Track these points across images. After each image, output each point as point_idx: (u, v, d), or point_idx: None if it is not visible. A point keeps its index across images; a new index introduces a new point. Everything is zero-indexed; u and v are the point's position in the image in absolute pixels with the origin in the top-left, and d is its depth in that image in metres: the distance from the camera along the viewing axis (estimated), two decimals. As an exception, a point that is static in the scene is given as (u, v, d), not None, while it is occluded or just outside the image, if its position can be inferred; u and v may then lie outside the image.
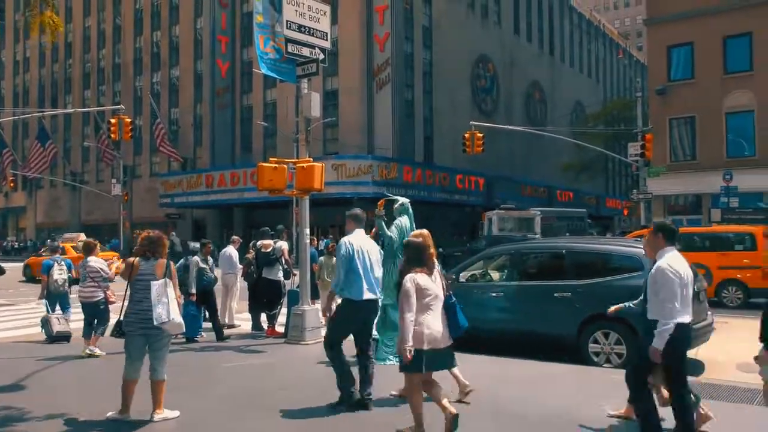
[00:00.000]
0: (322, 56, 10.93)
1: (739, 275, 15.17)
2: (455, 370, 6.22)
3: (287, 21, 10.37)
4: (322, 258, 12.67)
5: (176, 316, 5.95)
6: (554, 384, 7.33)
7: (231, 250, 12.43)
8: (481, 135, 27.43)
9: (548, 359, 8.51)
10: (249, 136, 47.50)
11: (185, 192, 44.99)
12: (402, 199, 8.81)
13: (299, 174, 10.16)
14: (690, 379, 7.59)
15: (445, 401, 5.41)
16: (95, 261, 9.47)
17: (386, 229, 8.56)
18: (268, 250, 11.03)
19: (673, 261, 5.09)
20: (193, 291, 10.17)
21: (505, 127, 36.58)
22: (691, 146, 30.60)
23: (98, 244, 10.05)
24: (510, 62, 53.50)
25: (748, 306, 14.86)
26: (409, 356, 5.17)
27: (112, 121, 27.04)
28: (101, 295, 9.30)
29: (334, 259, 12.97)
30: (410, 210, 8.87)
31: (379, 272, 6.72)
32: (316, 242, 21.64)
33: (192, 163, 50.07)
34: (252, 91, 47.18)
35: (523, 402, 6.34)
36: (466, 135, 27.48)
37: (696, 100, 29.51)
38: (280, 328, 10.94)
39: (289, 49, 10.55)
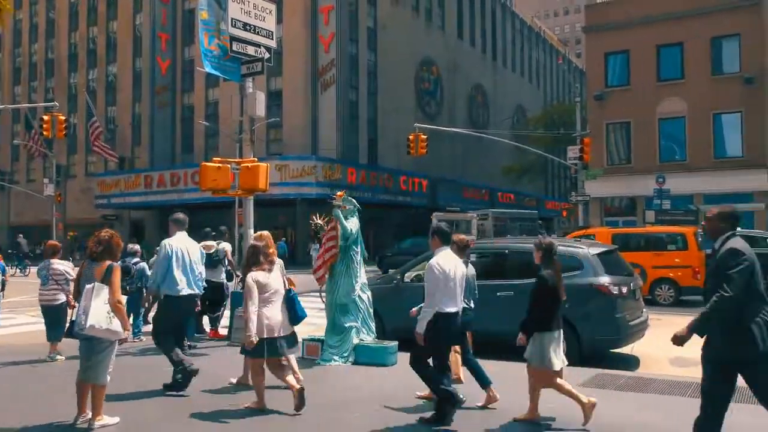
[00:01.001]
0: (267, 55, 10.84)
1: (671, 274, 15.80)
2: (292, 357, 6.70)
3: (232, 19, 10.24)
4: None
5: (98, 322, 5.56)
6: (494, 381, 7.44)
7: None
8: (425, 137, 27.69)
9: (494, 357, 8.62)
10: (190, 136, 46.54)
11: (123, 192, 43.73)
12: (354, 201, 8.93)
13: (244, 174, 10.05)
14: (626, 373, 7.87)
15: (290, 378, 6.27)
16: (59, 263, 9.12)
17: (344, 221, 8.59)
18: (211, 251, 10.83)
19: (442, 259, 5.74)
20: None
21: (449, 129, 37.05)
22: (627, 150, 31.72)
23: (61, 247, 9.68)
24: (454, 66, 54.19)
25: (680, 303, 15.50)
26: (253, 341, 5.99)
27: (45, 118, 26.02)
28: (63, 298, 8.95)
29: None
30: (357, 212, 8.94)
31: (200, 270, 7.44)
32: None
33: (130, 163, 48.69)
34: (193, 89, 46.24)
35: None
36: (411, 137, 27.70)
37: (631, 105, 30.62)
38: (223, 331, 10.77)
39: (234, 48, 10.42)
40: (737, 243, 4.49)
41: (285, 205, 36.40)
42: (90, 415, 5.80)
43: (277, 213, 37.32)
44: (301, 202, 36.31)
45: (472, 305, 6.70)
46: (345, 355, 8.54)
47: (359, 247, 8.94)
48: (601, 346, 8.75)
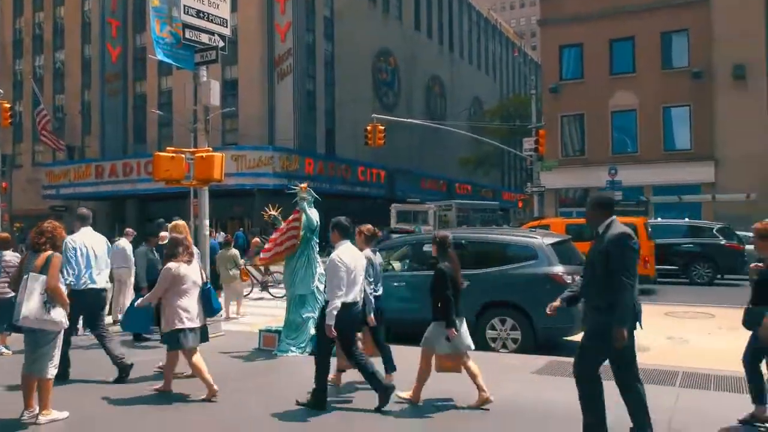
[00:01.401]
0: (222, 43, 10.63)
1: (622, 263, 16.12)
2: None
3: (185, 6, 10.00)
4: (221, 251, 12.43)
5: (32, 313, 5.47)
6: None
7: (124, 243, 11.86)
8: (382, 128, 27.67)
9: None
10: (143, 125, 45.46)
11: (72, 183, 42.53)
12: (312, 192, 8.89)
13: (198, 164, 9.88)
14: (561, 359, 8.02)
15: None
16: (12, 255, 8.82)
17: (308, 212, 8.53)
18: (164, 242, 10.62)
19: (342, 252, 6.01)
20: (145, 285, 9.55)
21: (407, 120, 37.09)
22: (581, 142, 32.33)
23: (11, 238, 9.36)
24: (411, 57, 54.22)
25: (630, 292, 15.85)
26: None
27: (-11, 105, 25.00)
28: None
29: (231, 251, 12.85)
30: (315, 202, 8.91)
31: (103, 263, 7.61)
32: (214, 234, 21.00)
33: (80, 152, 47.33)
34: (146, 78, 45.12)
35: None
36: (368, 128, 27.65)
37: (585, 98, 31.20)
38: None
39: (187, 35, 10.19)
40: (623, 227, 4.69)
41: (242, 195, 35.93)
42: (37, 409, 5.64)
43: (233, 203, 36.85)
44: (259, 193, 35.91)
45: (380, 292, 6.93)
46: (302, 345, 8.50)
47: (317, 238, 8.92)
48: (554, 334, 8.90)
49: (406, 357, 7.07)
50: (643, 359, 8.22)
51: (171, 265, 6.42)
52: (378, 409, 5.89)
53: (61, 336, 5.78)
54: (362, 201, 44.43)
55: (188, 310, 6.36)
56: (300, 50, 41.03)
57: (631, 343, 4.62)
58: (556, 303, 5.14)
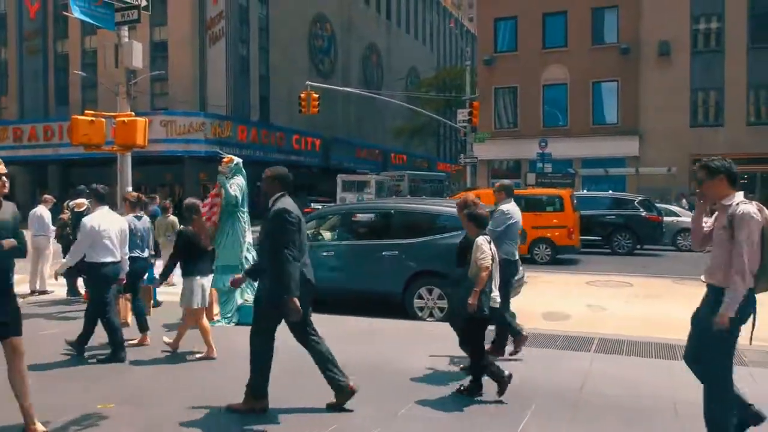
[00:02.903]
0: (144, 2, 10.16)
1: (549, 234, 16.61)
2: None
3: (104, -41, 9.49)
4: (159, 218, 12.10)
5: None
6: (380, 338, 7.61)
7: (42, 210, 11.32)
8: (316, 95, 27.30)
9: (379, 315, 8.76)
10: (65, 87, 43.29)
11: (-12, 146, 40.29)
12: (236, 159, 8.67)
13: (120, 129, 9.53)
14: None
15: None
16: None
17: (228, 188, 8.35)
18: (82, 209, 10.20)
19: (93, 217, 6.55)
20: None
21: (342, 89, 36.71)
22: (513, 115, 32.86)
23: None
24: (348, 24, 53.49)
25: (555, 262, 16.40)
26: None
27: None
28: None
29: (169, 217, 12.50)
30: (243, 170, 8.72)
31: None
32: (158, 200, 20.14)
33: (-4, 114, 44.81)
34: (68, 36, 42.83)
35: (345, 354, 6.42)
36: (303, 95, 27.22)
37: (518, 71, 31.63)
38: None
39: (107, -9, 9.70)
40: (286, 203, 4.91)
41: (172, 162, 34.94)
42: None
43: (163, 171, 35.83)
44: (189, 160, 35.00)
45: (146, 254, 7.67)
46: (228, 316, 8.40)
47: (246, 207, 8.76)
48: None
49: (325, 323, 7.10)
50: (563, 326, 8.58)
51: None
52: (105, 360, 6.51)
53: None
54: (297, 170, 43.90)
55: None
56: (233, 13, 39.81)
57: (306, 308, 4.91)
58: (239, 276, 5.67)
